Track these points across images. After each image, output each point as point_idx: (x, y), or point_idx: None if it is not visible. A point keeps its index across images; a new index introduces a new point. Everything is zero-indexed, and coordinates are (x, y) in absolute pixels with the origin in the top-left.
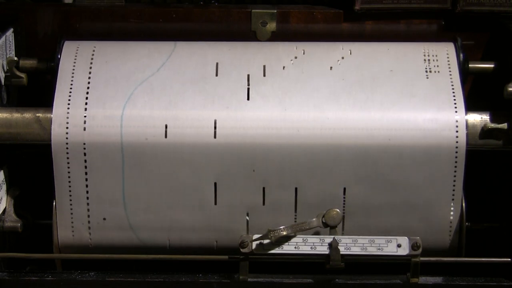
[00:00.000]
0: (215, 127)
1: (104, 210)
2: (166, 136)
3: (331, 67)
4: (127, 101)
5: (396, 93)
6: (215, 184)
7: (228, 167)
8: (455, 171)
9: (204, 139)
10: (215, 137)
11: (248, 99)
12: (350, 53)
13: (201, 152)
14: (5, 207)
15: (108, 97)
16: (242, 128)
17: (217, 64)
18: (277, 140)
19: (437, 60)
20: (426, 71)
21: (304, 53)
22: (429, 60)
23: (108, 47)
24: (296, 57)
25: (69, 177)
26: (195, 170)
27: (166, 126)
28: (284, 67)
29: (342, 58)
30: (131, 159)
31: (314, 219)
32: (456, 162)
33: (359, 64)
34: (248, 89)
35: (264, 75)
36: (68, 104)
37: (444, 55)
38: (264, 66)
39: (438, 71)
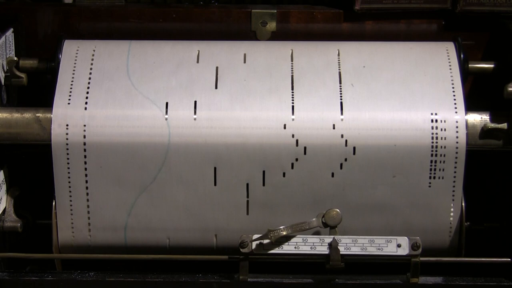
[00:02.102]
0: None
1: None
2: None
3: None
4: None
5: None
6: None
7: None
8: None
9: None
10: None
11: (247, 210)
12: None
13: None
14: (5, 207)
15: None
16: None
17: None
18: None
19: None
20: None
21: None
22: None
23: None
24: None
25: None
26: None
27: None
28: (286, 168)
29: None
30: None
31: (314, 219)
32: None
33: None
34: (248, 202)
35: (264, 184)
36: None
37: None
38: (264, 173)
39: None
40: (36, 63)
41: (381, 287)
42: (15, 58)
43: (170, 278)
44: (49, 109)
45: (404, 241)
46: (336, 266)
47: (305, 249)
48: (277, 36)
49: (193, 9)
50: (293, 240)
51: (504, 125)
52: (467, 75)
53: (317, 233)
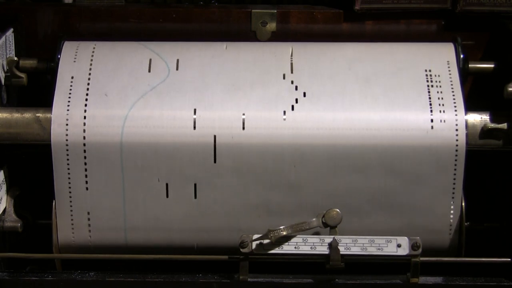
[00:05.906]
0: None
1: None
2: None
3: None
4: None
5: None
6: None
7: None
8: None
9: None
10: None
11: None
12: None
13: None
14: (5, 207)
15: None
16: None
17: None
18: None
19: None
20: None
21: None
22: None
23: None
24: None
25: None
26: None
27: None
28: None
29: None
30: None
31: (314, 219)
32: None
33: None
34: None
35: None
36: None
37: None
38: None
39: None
40: (36, 63)
41: (381, 287)
42: (15, 58)
43: (170, 278)
44: (49, 109)
45: (404, 241)
46: (336, 266)
47: (305, 249)
48: (277, 36)
49: (193, 9)
50: (293, 240)
51: (504, 125)
52: (467, 75)
53: (317, 233)
